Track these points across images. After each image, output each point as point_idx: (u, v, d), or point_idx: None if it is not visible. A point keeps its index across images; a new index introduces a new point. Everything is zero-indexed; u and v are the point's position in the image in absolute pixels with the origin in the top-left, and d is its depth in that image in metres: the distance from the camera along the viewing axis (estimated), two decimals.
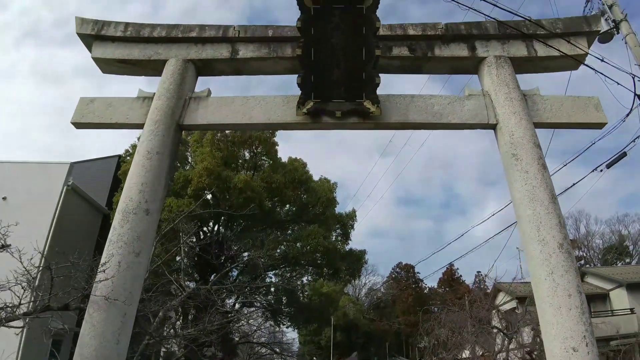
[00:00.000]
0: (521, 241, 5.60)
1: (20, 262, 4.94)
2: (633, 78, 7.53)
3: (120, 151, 18.11)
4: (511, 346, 15.46)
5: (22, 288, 5.06)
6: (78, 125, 6.59)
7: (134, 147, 16.10)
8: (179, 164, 16.17)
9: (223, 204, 14.96)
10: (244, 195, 14.57)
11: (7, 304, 4.96)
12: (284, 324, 22.40)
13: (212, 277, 11.59)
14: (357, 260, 20.97)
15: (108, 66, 7.27)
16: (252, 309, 19.15)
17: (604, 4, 9.11)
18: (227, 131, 16.79)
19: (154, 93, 6.66)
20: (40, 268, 5.36)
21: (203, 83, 7.30)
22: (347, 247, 20.98)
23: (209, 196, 15.61)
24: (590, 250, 41.03)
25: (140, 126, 6.38)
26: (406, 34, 6.92)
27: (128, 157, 16.21)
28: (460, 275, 48.81)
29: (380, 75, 6.08)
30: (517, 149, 5.85)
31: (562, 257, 4.94)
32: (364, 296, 56.77)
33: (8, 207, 12.66)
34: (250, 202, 13.49)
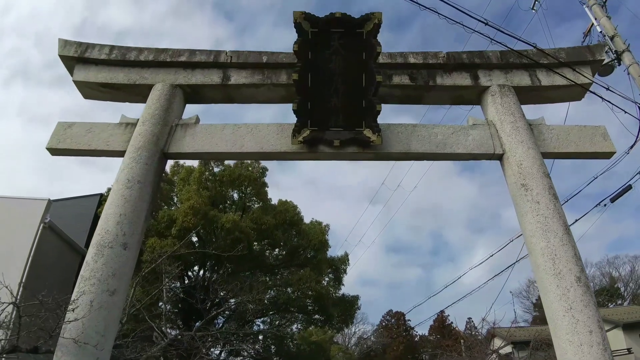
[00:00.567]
0: (534, 275, 5.24)
1: None
2: (639, 107, 7.36)
3: (102, 189, 17.52)
4: None
5: None
6: (54, 151, 6.19)
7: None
8: (164, 204, 15.61)
9: (209, 246, 14.32)
10: (232, 236, 13.95)
11: None
12: None
13: (197, 324, 10.85)
14: (350, 306, 20.19)
15: (90, 90, 6.96)
16: (239, 358, 18.08)
17: (604, 36, 9.11)
18: (215, 169, 16.42)
19: (138, 119, 6.30)
20: (6, 305, 4.79)
21: (192, 112, 6.96)
22: (340, 293, 20.27)
23: (195, 238, 15.06)
24: None
25: (121, 154, 5.99)
26: (407, 62, 6.77)
27: None
28: (452, 322, 47.80)
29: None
30: (526, 179, 5.59)
31: (581, 290, 4.69)
32: (354, 345, 55.00)
33: None
34: (238, 243, 12.87)
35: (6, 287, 4.97)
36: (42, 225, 13.24)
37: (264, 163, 17.41)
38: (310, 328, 21.89)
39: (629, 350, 22.15)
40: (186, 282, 16.02)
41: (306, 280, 16.14)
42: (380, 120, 5.91)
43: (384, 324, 54.97)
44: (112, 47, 6.92)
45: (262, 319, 19.05)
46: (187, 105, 7.03)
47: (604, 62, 7.99)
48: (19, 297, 5.20)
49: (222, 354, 16.82)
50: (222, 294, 14.41)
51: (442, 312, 45.45)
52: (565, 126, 6.49)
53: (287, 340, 18.47)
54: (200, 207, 14.05)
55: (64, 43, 6.86)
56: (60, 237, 14.54)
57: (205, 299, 13.40)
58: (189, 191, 14.99)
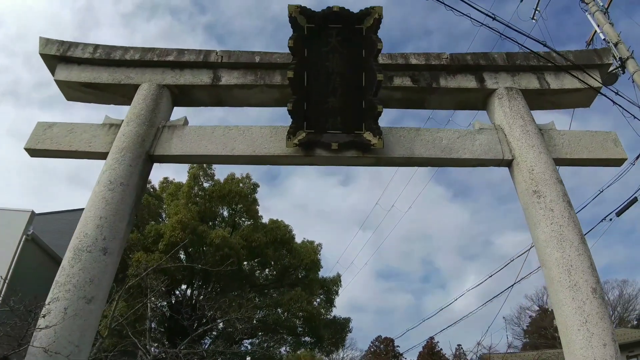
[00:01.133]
0: (548, 288, 4.94)
1: None
2: None
3: None
4: None
5: None
6: (32, 152, 5.87)
7: None
8: (151, 220, 15.11)
9: (198, 262, 13.81)
10: (221, 252, 13.46)
11: None
12: None
13: (184, 344, 10.30)
14: (341, 328, 19.60)
15: (72, 91, 6.66)
16: None
17: (608, 43, 8.96)
18: (205, 184, 16.00)
19: (122, 120, 5.98)
20: None
21: (180, 116, 6.59)
22: (331, 315, 19.71)
23: (183, 256, 14.57)
24: None
25: (104, 155, 5.66)
26: (408, 63, 6.53)
27: None
28: (441, 349, 47.17)
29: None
30: (538, 186, 5.30)
31: (597, 303, 4.45)
32: None
33: None
34: (227, 260, 12.37)
35: None
36: (24, 237, 12.89)
37: (255, 179, 17.13)
38: (300, 351, 21.20)
39: None
40: (173, 301, 15.41)
41: (297, 300, 15.61)
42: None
43: (372, 349, 54.22)
44: (97, 46, 6.64)
45: (250, 340, 18.42)
46: (175, 109, 6.71)
47: (610, 69, 7.83)
48: None
49: None
50: (209, 313, 13.82)
51: (431, 338, 44.86)
52: (576, 131, 6.25)
53: None
54: (188, 222, 13.60)
55: (46, 41, 6.57)
56: (44, 250, 14.12)
57: (192, 315, 12.85)
58: (177, 205, 14.55)
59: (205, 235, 13.97)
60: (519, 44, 7.00)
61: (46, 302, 4.30)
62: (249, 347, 18.63)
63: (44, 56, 6.51)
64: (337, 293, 19.72)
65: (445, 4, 6.13)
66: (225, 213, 17.54)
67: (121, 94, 6.50)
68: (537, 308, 42.37)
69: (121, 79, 6.42)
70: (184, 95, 6.59)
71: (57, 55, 6.47)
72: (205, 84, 6.41)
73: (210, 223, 15.98)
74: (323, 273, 19.82)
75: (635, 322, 37.63)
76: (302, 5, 5.32)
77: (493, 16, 6.31)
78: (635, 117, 6.97)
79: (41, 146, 5.83)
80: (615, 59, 8.66)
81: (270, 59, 6.50)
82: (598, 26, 9.81)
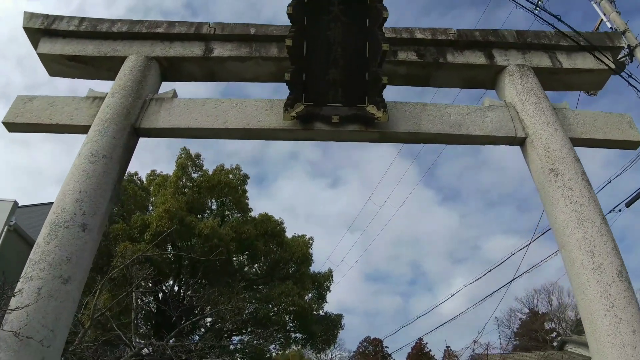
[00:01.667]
0: (568, 271, 4.55)
1: None
2: None
3: None
4: None
5: None
6: (10, 126, 5.46)
7: None
8: (138, 211, 14.54)
9: (185, 257, 13.30)
10: (210, 243, 12.95)
11: None
12: None
13: (172, 340, 9.82)
14: (333, 325, 19.17)
15: (56, 65, 6.26)
16: None
17: (616, 30, 8.66)
18: (193, 175, 15.47)
19: (107, 93, 5.58)
20: None
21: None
22: (323, 311, 19.27)
23: (170, 248, 14.08)
24: (563, 322, 40.47)
25: (86, 129, 5.28)
26: (413, 37, 6.21)
27: None
28: (430, 350, 47.04)
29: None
30: (555, 164, 4.99)
31: (623, 286, 4.18)
32: None
33: None
34: (216, 255, 11.90)
35: None
36: (6, 227, 12.52)
37: (243, 149, 16.56)
38: (288, 351, 20.71)
39: None
40: (160, 296, 14.88)
41: (288, 294, 15.14)
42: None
43: (361, 350, 53.97)
44: (82, 19, 6.29)
45: (239, 337, 17.90)
46: (164, 84, 6.32)
47: (619, 57, 7.54)
48: None
49: None
50: (198, 305, 13.22)
51: (420, 339, 44.66)
52: (590, 112, 5.95)
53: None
54: (176, 212, 13.10)
55: (30, 15, 6.24)
56: (26, 241, 13.69)
57: (180, 307, 12.35)
58: (164, 195, 14.03)
59: (193, 225, 13.48)
60: (530, 11, 6.68)
61: (19, 282, 3.85)
62: (238, 344, 18.13)
63: (28, 30, 6.14)
64: (328, 289, 19.33)
65: None
66: (214, 206, 17.02)
67: (107, 68, 6.09)
68: (528, 311, 42.26)
69: (107, 52, 6.04)
70: (173, 69, 6.19)
71: (41, 29, 6.10)
72: (196, 56, 6.02)
73: (198, 215, 15.47)
74: (314, 270, 19.40)
75: None
76: None
77: None
78: None
79: (20, 120, 5.42)
80: (624, 47, 8.34)
81: (266, 31, 6.13)
82: (604, 15, 9.54)
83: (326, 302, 19.53)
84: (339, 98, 5.40)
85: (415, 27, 6.27)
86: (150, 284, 15.04)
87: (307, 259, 17.58)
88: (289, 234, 17.89)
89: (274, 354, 20.28)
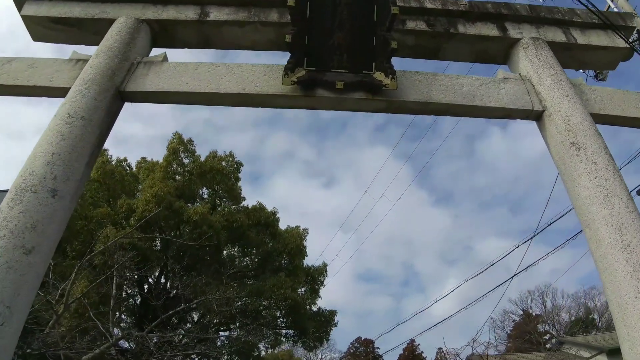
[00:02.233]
0: (594, 252, 4.15)
1: None
2: None
3: None
4: None
5: None
6: None
7: None
8: (124, 195, 13.80)
9: (172, 245, 12.65)
10: (199, 230, 12.31)
11: None
12: None
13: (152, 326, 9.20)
14: (326, 321, 18.50)
15: (41, 29, 5.79)
16: None
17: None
18: (185, 160, 14.81)
19: (91, 55, 5.06)
20: None
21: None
22: (316, 307, 18.58)
23: (157, 238, 13.45)
24: (557, 324, 40.37)
25: (66, 92, 4.74)
26: (423, 6, 5.79)
27: None
28: (422, 352, 46.66)
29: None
30: (577, 137, 4.63)
31: None
32: None
33: None
34: (206, 240, 11.29)
35: None
36: None
37: (239, 158, 15.90)
38: (277, 350, 19.99)
39: None
40: (145, 287, 14.18)
41: (281, 287, 14.44)
42: None
43: (352, 351, 53.51)
44: None
45: (227, 332, 17.18)
46: (154, 50, 5.81)
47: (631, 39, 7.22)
48: None
49: None
50: (182, 292, 12.50)
51: (412, 340, 44.25)
52: (608, 88, 5.67)
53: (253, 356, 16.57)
54: (164, 196, 12.43)
55: None
56: None
57: (163, 294, 11.70)
58: (153, 179, 13.35)
59: (182, 211, 12.82)
60: (534, 6, 6.31)
61: None
62: (226, 340, 17.42)
63: None
64: (322, 283, 18.66)
65: None
66: (205, 195, 16.31)
67: (93, 31, 5.61)
68: (521, 312, 42.01)
69: (95, 13, 5.57)
70: (165, 34, 5.75)
71: None
72: (190, 19, 5.57)
73: (189, 205, 14.78)
74: (307, 264, 18.69)
75: None
76: None
77: None
78: None
79: None
80: (636, 26, 7.97)
81: None
82: (596, 11, 9.18)
83: (320, 297, 18.94)
84: (343, 63, 4.96)
85: None
86: (135, 276, 14.39)
87: (301, 251, 16.92)
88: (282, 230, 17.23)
89: (263, 353, 19.57)
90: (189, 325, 15.56)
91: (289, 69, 4.76)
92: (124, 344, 9.94)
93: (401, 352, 46.51)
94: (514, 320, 42.11)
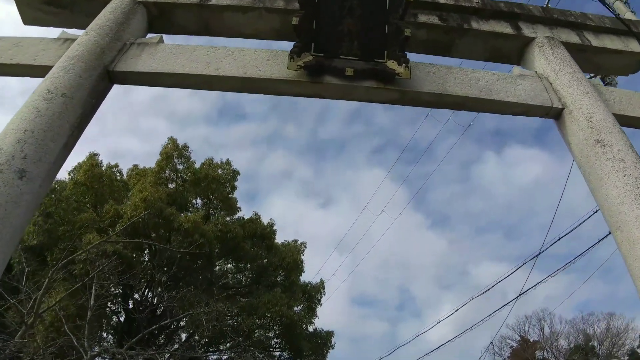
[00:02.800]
0: (626, 255, 3.73)
1: None
2: None
3: None
4: None
5: None
6: None
7: (55, 181, 12.83)
8: (111, 200, 12.94)
9: (162, 255, 11.91)
10: (191, 239, 11.57)
11: None
12: None
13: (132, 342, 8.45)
14: (323, 343, 17.32)
15: (32, 11, 5.41)
16: None
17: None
18: (179, 167, 14.10)
19: (81, 34, 4.65)
20: None
21: None
22: (312, 327, 17.39)
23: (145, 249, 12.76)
24: (555, 351, 39.42)
25: (49, 70, 4.19)
26: (435, 1, 5.41)
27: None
28: None
29: None
30: (601, 134, 4.29)
31: None
32: None
33: None
34: (197, 247, 10.55)
35: None
36: None
37: (235, 165, 15.11)
38: None
39: None
40: (131, 307, 13.24)
41: (276, 303, 13.53)
42: None
43: None
44: None
45: (216, 354, 16.08)
46: (150, 36, 5.34)
47: None
48: None
49: None
50: (169, 305, 11.67)
51: None
52: (625, 90, 5.41)
53: None
54: (155, 202, 11.74)
55: None
56: None
57: (148, 309, 10.91)
58: (143, 183, 12.66)
59: (173, 218, 12.08)
60: (547, 7, 6.06)
61: None
62: None
63: None
64: (319, 302, 17.58)
65: None
66: (199, 205, 15.48)
67: (86, 13, 5.22)
68: (519, 338, 40.98)
69: None
70: (163, 17, 5.39)
71: None
72: (191, 2, 5.20)
73: (181, 214, 14.00)
74: (304, 280, 17.61)
75: (625, 358, 36.50)
76: None
77: None
78: None
79: None
80: None
81: None
82: (617, 16, 9.04)
83: (316, 316, 17.75)
84: (353, 51, 4.57)
85: None
86: (119, 289, 13.55)
87: (299, 267, 15.97)
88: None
89: None
90: (175, 346, 14.61)
91: (295, 52, 4.38)
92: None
93: None
94: (511, 347, 41.07)
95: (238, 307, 12.90)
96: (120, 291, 13.98)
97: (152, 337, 12.37)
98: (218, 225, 13.38)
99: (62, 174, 15.80)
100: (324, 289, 17.50)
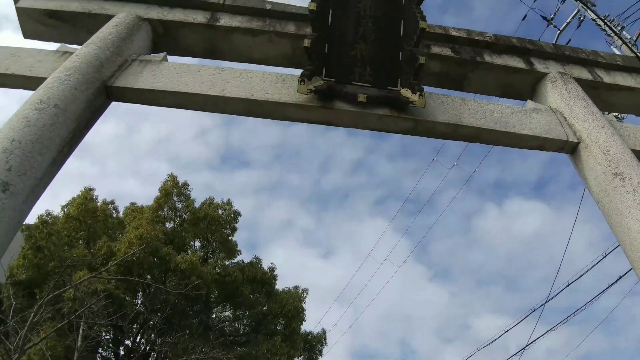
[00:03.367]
0: None
1: None
2: None
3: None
4: None
5: None
6: None
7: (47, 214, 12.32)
8: (106, 237, 12.34)
9: (156, 298, 11.21)
10: (187, 281, 10.90)
11: None
12: None
13: None
14: None
15: (33, 23, 5.24)
16: None
17: None
18: (178, 205, 13.59)
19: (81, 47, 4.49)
20: None
21: None
22: None
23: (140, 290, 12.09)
24: None
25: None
26: (448, 34, 5.47)
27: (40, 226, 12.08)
28: None
29: None
30: (619, 167, 4.11)
31: None
32: None
33: None
34: (193, 288, 9.92)
35: None
36: None
37: (237, 206, 14.57)
38: None
39: None
40: (122, 354, 12.39)
41: (276, 353, 12.58)
42: None
43: None
44: None
45: None
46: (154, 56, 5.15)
47: None
48: None
49: None
50: (162, 350, 10.84)
51: None
52: (638, 126, 5.10)
53: None
54: (151, 240, 11.18)
55: None
56: None
57: (137, 353, 10.13)
58: (139, 219, 12.13)
59: (169, 259, 11.49)
60: (558, 45, 5.94)
61: None
62: None
63: None
64: (321, 353, 16.42)
65: None
66: (198, 247, 14.83)
67: (88, 29, 5.05)
68: None
69: (93, 9, 5.07)
70: (168, 37, 5.26)
71: None
72: (199, 22, 5.08)
73: (178, 255, 13.34)
74: (305, 329, 16.52)
75: None
76: None
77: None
78: None
79: None
80: None
81: (284, 8, 5.25)
82: (637, 53, 9.07)
83: None
84: (366, 77, 4.40)
85: (449, 26, 5.50)
86: (110, 335, 12.75)
87: (300, 314, 15.01)
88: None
89: None
90: None
91: (306, 76, 4.16)
92: None
93: None
94: None
95: (235, 356, 11.99)
96: (112, 336, 13.22)
97: None
98: (217, 268, 12.74)
99: (56, 208, 15.43)
100: (325, 339, 16.47)
